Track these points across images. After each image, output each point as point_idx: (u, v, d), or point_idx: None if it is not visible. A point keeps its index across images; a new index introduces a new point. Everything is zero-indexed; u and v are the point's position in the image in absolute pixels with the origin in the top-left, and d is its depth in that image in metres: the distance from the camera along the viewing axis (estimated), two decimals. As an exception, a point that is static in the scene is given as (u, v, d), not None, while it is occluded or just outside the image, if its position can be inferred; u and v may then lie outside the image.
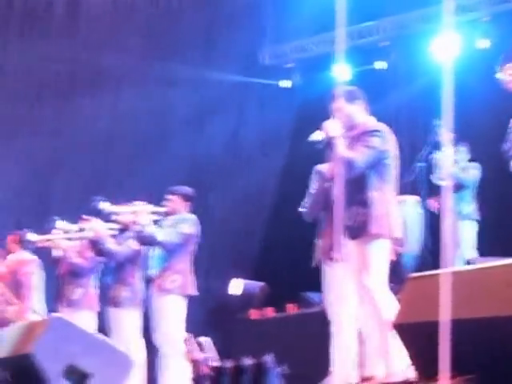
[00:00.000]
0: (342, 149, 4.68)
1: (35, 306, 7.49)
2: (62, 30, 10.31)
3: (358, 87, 5.06)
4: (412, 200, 7.51)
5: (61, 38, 10.20)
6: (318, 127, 4.78)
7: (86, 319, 6.97)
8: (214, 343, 7.01)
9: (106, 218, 6.92)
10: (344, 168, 4.68)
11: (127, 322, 6.78)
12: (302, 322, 7.87)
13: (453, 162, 7.64)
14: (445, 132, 7.24)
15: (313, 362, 5.58)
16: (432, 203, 7.62)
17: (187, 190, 6.77)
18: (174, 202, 6.66)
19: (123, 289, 6.83)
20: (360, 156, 4.65)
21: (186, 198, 6.71)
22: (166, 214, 6.66)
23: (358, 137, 4.77)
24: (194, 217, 6.66)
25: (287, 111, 11.25)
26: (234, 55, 11.01)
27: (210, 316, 9.76)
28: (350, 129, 4.84)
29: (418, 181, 7.74)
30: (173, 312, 6.36)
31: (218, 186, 11.28)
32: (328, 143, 4.73)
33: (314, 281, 5.47)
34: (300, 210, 5.45)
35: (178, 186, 6.78)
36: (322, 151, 5.21)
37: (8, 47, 10.06)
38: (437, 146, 7.60)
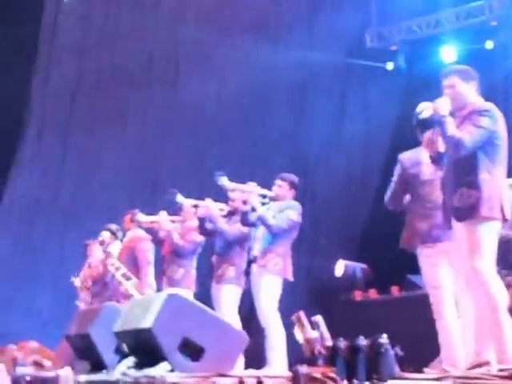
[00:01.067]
0: (451, 128, 4.62)
1: (151, 282, 7.81)
2: (169, 14, 10.53)
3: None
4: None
5: (169, 22, 10.44)
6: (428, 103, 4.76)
7: None
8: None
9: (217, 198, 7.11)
10: (452, 148, 4.68)
11: (229, 299, 6.96)
12: (406, 305, 7.88)
13: None
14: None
15: (419, 345, 5.61)
16: None
17: (294, 178, 6.86)
18: (282, 188, 6.77)
19: (230, 268, 7.03)
20: (468, 136, 4.59)
21: (293, 185, 6.81)
22: (273, 199, 6.80)
23: (467, 116, 4.72)
24: (299, 205, 6.76)
25: (392, 94, 11.18)
26: (339, 37, 11.00)
27: (315, 297, 9.84)
28: (460, 108, 4.77)
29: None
30: (272, 290, 6.48)
31: (321, 167, 11.34)
32: (437, 121, 4.70)
33: (418, 263, 5.48)
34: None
35: (287, 174, 6.87)
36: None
37: (119, 31, 10.36)
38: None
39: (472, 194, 4.59)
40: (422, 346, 5.76)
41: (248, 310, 7.12)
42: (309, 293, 9.60)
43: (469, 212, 4.60)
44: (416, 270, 5.72)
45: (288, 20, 10.77)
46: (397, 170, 5.43)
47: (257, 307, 6.62)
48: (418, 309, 6.77)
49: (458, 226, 4.73)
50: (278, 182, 6.79)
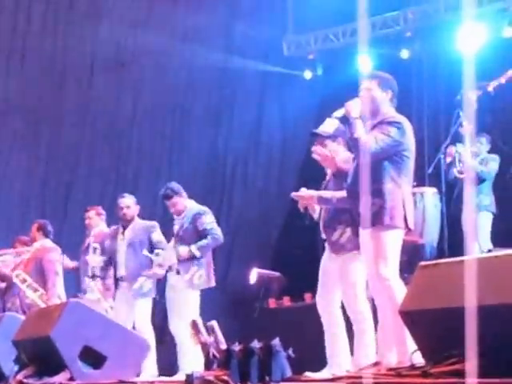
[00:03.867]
0: (358, 130, 4.68)
1: (59, 293, 7.62)
2: (84, 16, 10.27)
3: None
4: (430, 192, 7.48)
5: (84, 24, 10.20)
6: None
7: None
8: (232, 331, 7.12)
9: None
10: (356, 150, 4.71)
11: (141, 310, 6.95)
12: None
13: (473, 155, 7.59)
14: (466, 124, 7.20)
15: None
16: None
17: (174, 186, 6.82)
18: (178, 202, 6.73)
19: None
20: (373, 140, 4.63)
21: (180, 191, 6.78)
22: (175, 214, 6.77)
23: (376, 125, 4.77)
24: (207, 209, 6.81)
25: (309, 103, 11.20)
26: (257, 44, 10.96)
27: (229, 305, 9.81)
28: (371, 115, 4.82)
29: (439, 173, 7.69)
30: (194, 304, 6.55)
31: (238, 175, 11.29)
32: (347, 122, 4.73)
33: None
34: None
35: (167, 188, 6.79)
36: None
37: (31, 33, 10.09)
38: (458, 138, 7.55)
39: (375, 202, 4.64)
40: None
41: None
42: (224, 301, 9.55)
43: (372, 220, 4.64)
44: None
45: (206, 24, 10.67)
46: None
47: (174, 319, 6.62)
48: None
49: (363, 234, 4.77)
50: (170, 201, 6.73)
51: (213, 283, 6.68)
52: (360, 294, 5.19)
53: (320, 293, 5.39)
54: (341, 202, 5.08)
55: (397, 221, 4.64)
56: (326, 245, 5.35)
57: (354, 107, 4.73)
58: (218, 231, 6.71)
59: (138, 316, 6.87)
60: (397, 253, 4.70)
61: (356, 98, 4.82)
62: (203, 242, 6.60)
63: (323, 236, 5.37)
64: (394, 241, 4.68)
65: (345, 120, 4.79)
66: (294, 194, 5.25)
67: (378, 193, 4.65)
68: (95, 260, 7.13)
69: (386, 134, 4.66)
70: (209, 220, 6.69)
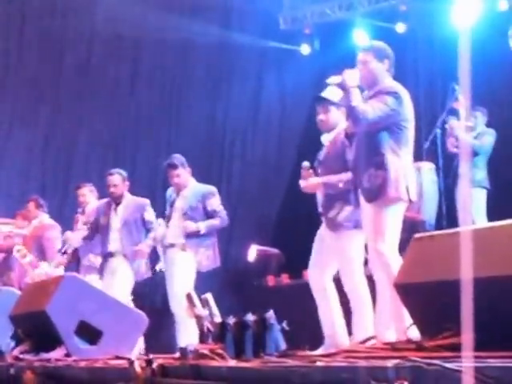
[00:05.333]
0: (356, 98, 4.65)
1: (58, 270, 7.62)
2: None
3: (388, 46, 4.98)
4: (428, 167, 7.47)
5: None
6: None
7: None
8: (231, 308, 7.15)
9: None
10: (354, 118, 4.68)
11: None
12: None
13: (468, 129, 7.56)
14: (462, 98, 7.17)
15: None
16: None
17: (180, 157, 6.77)
18: (181, 174, 6.68)
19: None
20: (371, 109, 4.62)
21: (185, 165, 6.76)
22: (177, 189, 6.73)
23: (374, 95, 4.75)
24: (215, 189, 6.83)
25: (307, 77, 11.15)
26: (254, 18, 10.89)
27: (228, 282, 9.81)
28: (369, 87, 4.81)
29: (435, 147, 7.66)
30: (192, 280, 6.58)
31: (237, 150, 11.26)
32: (344, 91, 4.71)
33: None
34: None
35: (174, 158, 6.77)
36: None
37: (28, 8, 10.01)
38: (453, 112, 7.52)
39: (379, 174, 4.63)
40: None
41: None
42: (223, 278, 9.54)
43: (377, 193, 4.62)
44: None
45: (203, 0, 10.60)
46: None
47: (172, 294, 6.66)
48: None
49: (366, 207, 4.74)
50: (174, 172, 6.67)
51: (218, 263, 6.76)
52: (357, 270, 5.16)
53: (312, 267, 5.37)
54: (347, 184, 5.04)
55: (401, 192, 4.63)
56: (323, 220, 5.32)
57: (352, 76, 4.71)
58: (225, 213, 6.72)
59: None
60: (397, 228, 4.68)
61: (355, 68, 4.81)
62: (212, 221, 6.63)
63: (320, 210, 5.34)
64: (395, 216, 4.67)
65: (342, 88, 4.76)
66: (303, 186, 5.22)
67: (380, 165, 4.63)
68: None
69: (384, 102, 4.65)
70: (218, 202, 6.73)
